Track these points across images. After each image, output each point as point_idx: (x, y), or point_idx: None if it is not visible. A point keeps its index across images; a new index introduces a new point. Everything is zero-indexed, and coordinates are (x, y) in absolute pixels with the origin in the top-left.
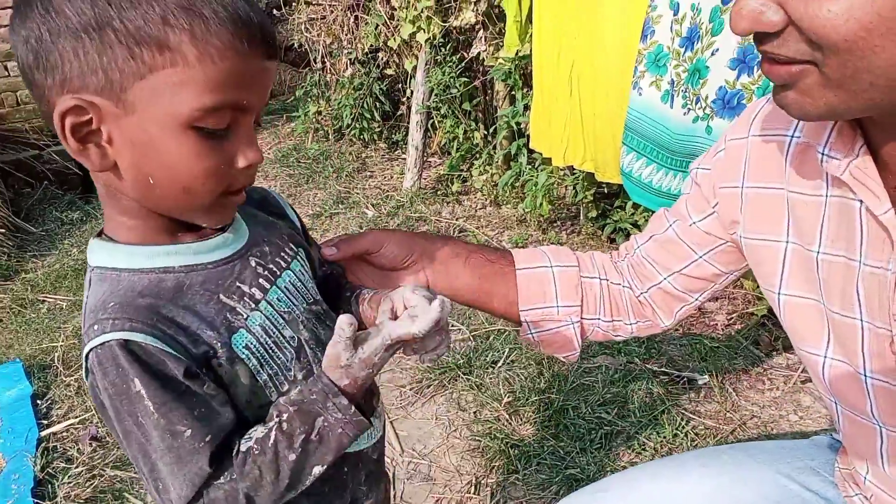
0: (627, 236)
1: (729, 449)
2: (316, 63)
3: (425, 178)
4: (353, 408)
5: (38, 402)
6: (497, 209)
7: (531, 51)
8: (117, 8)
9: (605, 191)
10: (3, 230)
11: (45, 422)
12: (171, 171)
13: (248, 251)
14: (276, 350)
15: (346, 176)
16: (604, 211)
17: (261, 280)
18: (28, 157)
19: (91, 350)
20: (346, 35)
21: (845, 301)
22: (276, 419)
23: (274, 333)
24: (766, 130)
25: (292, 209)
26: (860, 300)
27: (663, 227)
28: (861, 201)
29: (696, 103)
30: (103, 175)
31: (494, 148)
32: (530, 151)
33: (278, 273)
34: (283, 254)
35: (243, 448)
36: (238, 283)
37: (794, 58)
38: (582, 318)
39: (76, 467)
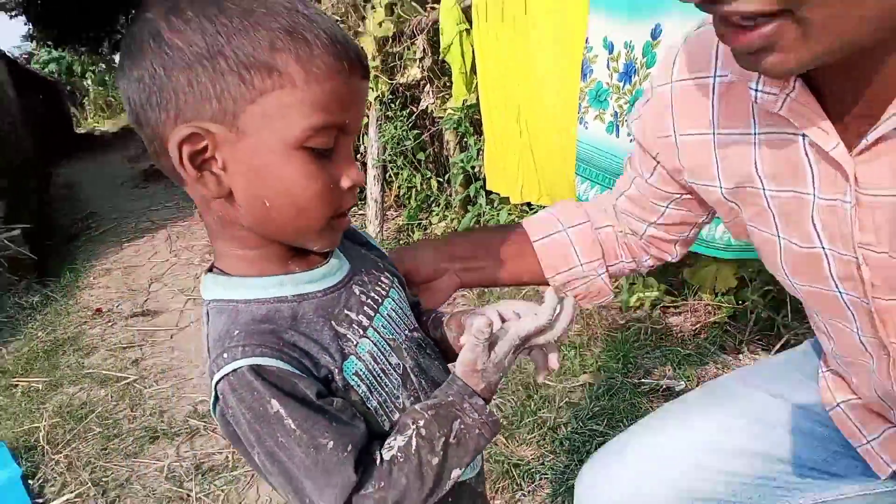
0: None
1: (727, 380)
2: None
3: (386, 230)
4: (489, 408)
5: (30, 482)
6: None
7: (478, 99)
8: (226, 36)
9: None
10: None
11: (41, 500)
12: (285, 193)
13: (350, 279)
14: (384, 377)
15: None
16: None
17: (365, 308)
18: None
19: (222, 378)
20: None
21: (803, 234)
22: (413, 426)
23: (381, 361)
24: (688, 74)
25: (374, 239)
26: (818, 231)
27: (627, 183)
28: (803, 135)
29: None
30: (217, 205)
31: (450, 195)
32: (488, 193)
33: (380, 301)
34: (380, 282)
35: (386, 457)
36: (346, 311)
37: (762, 10)
38: (607, 267)
39: None
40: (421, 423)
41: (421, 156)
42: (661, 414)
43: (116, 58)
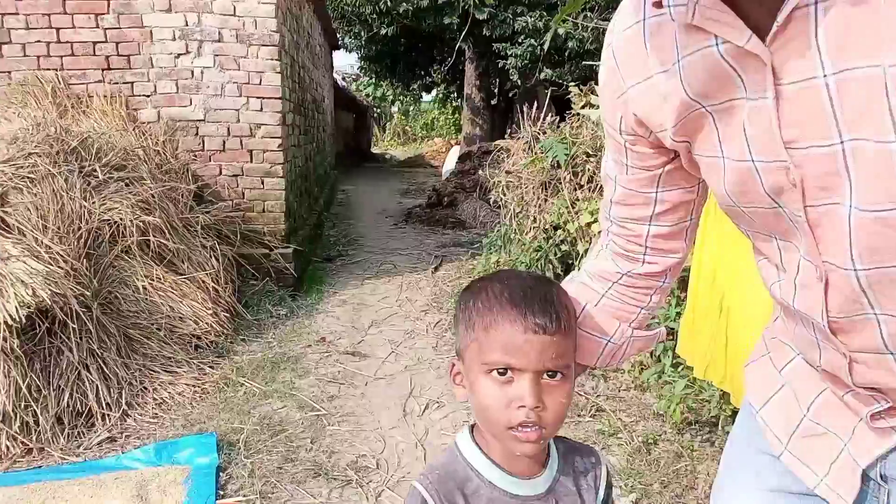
0: None
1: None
2: (505, 220)
3: None
4: None
5: (220, 473)
6: (640, 394)
7: (690, 264)
8: (471, 302)
9: None
10: (227, 313)
11: (222, 493)
12: (477, 404)
13: (547, 495)
14: None
15: None
16: None
17: None
18: (259, 254)
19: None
20: (535, 207)
21: (737, 147)
22: None
23: None
24: (622, 26)
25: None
26: (748, 141)
27: (612, 189)
28: (717, 43)
29: None
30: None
31: None
32: (674, 356)
33: None
34: None
35: None
36: None
37: None
38: (631, 325)
39: None
40: None
41: None
42: None
43: (424, 94)
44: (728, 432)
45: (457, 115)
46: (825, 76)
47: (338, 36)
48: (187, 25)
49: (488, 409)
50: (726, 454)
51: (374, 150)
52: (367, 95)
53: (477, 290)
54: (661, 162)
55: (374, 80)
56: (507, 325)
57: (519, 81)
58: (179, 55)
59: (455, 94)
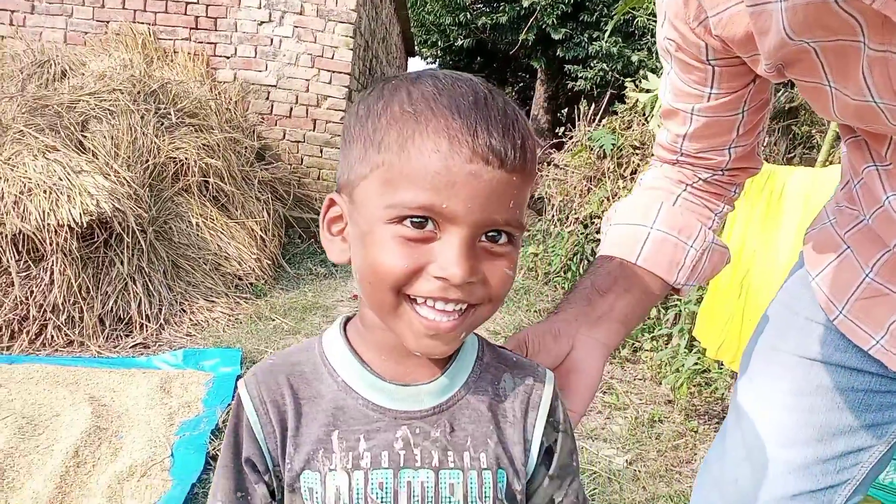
0: None
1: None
2: (546, 214)
3: None
4: None
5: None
6: (656, 386)
7: None
8: (366, 118)
9: None
10: (270, 262)
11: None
12: (365, 266)
13: (422, 419)
14: None
15: (535, 312)
16: None
17: (391, 453)
18: (309, 217)
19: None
20: (578, 198)
21: (855, 86)
22: None
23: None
24: None
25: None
26: (868, 86)
27: (687, 121)
28: None
29: None
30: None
31: (664, 323)
32: (691, 338)
33: (419, 464)
34: (462, 452)
35: None
36: (365, 435)
37: None
38: (711, 230)
39: None
40: None
41: None
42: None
43: None
44: None
45: None
46: None
47: (415, 44)
48: None
49: (378, 271)
50: (762, 323)
51: None
52: None
53: (392, 89)
54: (753, 78)
55: None
56: (444, 144)
57: (585, 102)
58: (262, 23)
59: None
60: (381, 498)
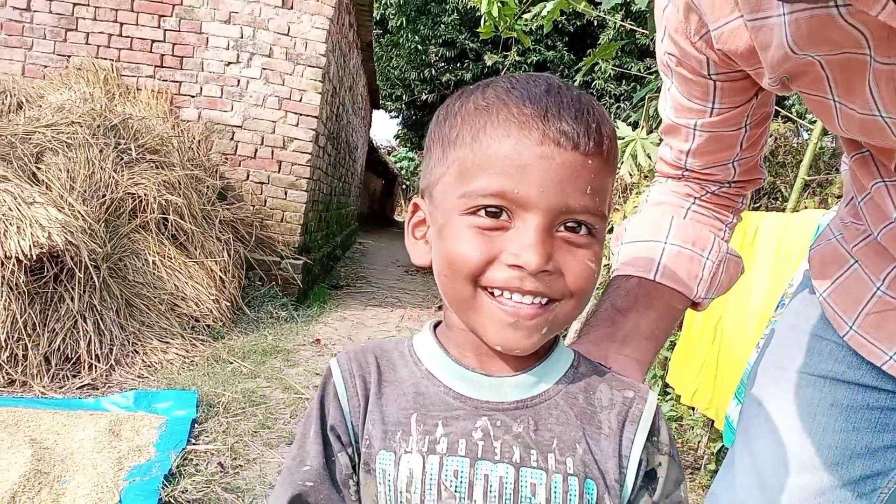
0: None
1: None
2: None
3: None
4: None
5: (196, 426)
6: None
7: None
8: (444, 119)
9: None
10: (229, 304)
11: (194, 441)
12: (441, 259)
13: (508, 411)
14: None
15: None
16: None
17: (470, 444)
18: (270, 261)
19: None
20: None
21: (861, 100)
22: None
23: (411, 492)
24: None
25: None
26: (874, 99)
27: (689, 137)
28: (838, 5)
29: None
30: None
31: None
32: (665, 384)
33: (498, 458)
34: (546, 454)
35: None
36: (445, 422)
37: None
38: (724, 240)
39: (198, 476)
40: None
41: None
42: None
43: None
44: (710, 471)
45: None
46: None
47: (380, 97)
48: (242, 38)
49: (454, 261)
50: (767, 344)
51: (397, 217)
52: (402, 169)
53: (469, 91)
54: (755, 92)
55: (409, 148)
56: (514, 129)
57: None
58: (230, 63)
59: None
60: (455, 487)
